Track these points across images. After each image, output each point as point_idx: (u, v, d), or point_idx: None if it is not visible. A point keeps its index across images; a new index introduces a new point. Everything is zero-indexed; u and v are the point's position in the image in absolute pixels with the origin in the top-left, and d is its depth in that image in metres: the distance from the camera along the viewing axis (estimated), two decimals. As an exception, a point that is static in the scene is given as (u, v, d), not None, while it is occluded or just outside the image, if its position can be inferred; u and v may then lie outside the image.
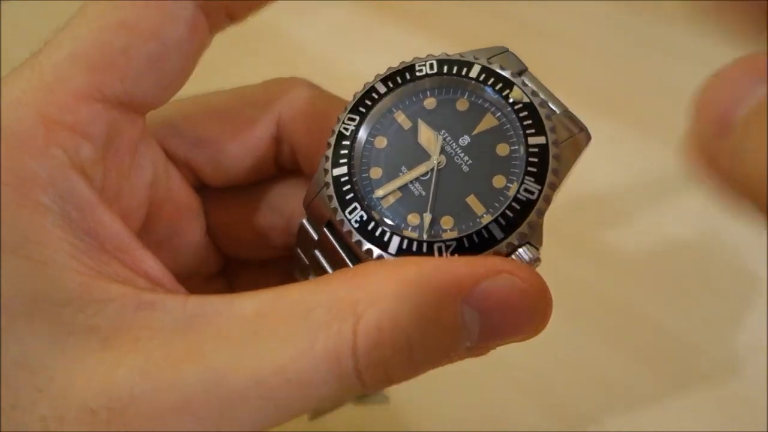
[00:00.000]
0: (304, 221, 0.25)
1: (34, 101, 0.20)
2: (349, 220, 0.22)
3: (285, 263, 0.28)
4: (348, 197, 0.23)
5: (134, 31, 0.21)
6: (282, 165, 0.28)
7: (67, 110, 0.20)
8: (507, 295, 0.19)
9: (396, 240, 0.22)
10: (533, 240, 0.21)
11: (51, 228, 0.19)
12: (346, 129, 0.23)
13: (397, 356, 0.18)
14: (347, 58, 0.50)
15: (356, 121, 0.23)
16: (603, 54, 0.53)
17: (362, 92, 0.24)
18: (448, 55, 0.24)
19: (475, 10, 0.57)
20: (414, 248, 0.21)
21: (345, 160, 0.23)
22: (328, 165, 0.23)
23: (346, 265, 0.23)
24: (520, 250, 0.21)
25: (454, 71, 0.23)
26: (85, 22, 0.21)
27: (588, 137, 0.23)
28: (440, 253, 0.21)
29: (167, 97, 0.23)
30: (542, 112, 0.22)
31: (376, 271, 0.19)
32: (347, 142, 0.23)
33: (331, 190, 0.23)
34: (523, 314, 0.20)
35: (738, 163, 0.16)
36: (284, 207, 0.28)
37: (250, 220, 0.28)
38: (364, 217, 0.22)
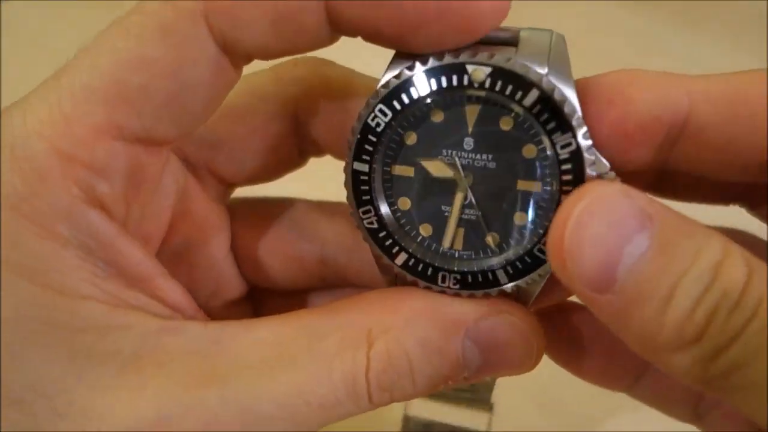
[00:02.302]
0: None
1: (50, 134, 0.20)
2: (362, 220, 0.22)
3: (314, 294, 0.28)
4: (364, 198, 0.22)
5: (153, 68, 0.20)
6: (307, 152, 0.28)
7: (84, 146, 0.20)
8: (506, 333, 0.21)
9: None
10: None
11: (70, 257, 0.20)
12: (377, 122, 0.21)
13: (402, 381, 0.20)
14: (346, 59, 0.50)
15: (388, 117, 0.21)
16: (603, 54, 0.53)
17: (402, 82, 0.21)
18: (503, 66, 0.21)
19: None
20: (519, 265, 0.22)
21: (368, 157, 0.22)
22: (349, 158, 0.22)
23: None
24: None
25: (507, 92, 0.21)
26: (105, 51, 0.21)
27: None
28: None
29: (188, 132, 0.23)
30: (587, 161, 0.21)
31: (386, 299, 0.21)
32: (373, 138, 0.21)
33: (348, 182, 0.22)
34: (520, 351, 0.21)
35: (622, 321, 0.18)
36: (315, 233, 0.27)
37: (278, 246, 0.27)
38: (375, 225, 0.22)
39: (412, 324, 0.20)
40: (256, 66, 0.24)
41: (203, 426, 0.19)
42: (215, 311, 0.27)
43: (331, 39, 0.22)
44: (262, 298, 0.29)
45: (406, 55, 0.21)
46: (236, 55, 0.21)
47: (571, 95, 0.20)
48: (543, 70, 0.21)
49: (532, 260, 0.21)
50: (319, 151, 0.27)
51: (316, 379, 0.20)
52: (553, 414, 0.38)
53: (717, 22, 0.54)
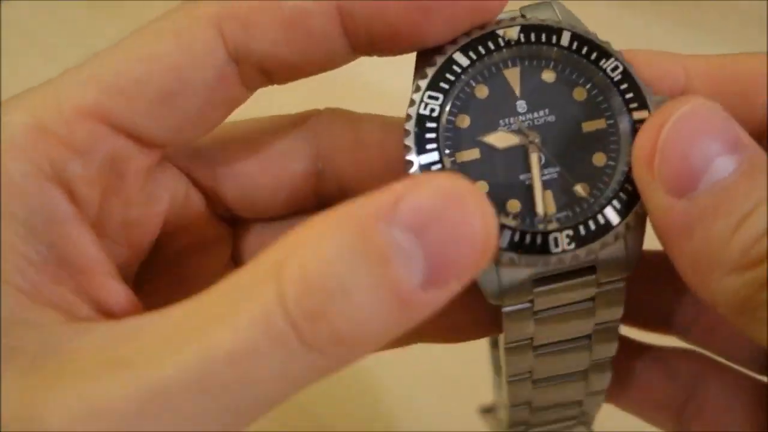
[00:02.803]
0: None
1: (34, 108, 0.20)
2: None
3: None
4: None
5: (156, 63, 0.20)
6: (325, 197, 0.26)
7: (65, 123, 0.20)
8: (433, 201, 0.16)
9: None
10: None
11: (8, 234, 0.18)
12: (430, 109, 0.21)
13: (335, 302, 0.16)
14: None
15: (440, 100, 0.21)
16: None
17: (441, 64, 0.21)
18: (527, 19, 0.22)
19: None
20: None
21: (434, 146, 0.20)
22: (412, 155, 0.20)
23: None
24: None
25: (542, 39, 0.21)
26: (117, 49, 0.21)
27: None
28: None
29: (182, 138, 0.22)
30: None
31: (301, 227, 0.17)
32: (432, 124, 0.21)
33: None
34: (460, 216, 0.16)
35: (688, 232, 0.18)
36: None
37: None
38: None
39: (325, 235, 0.16)
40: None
41: (104, 418, 0.16)
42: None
43: (347, 52, 0.21)
44: (246, 233, 0.27)
45: (424, 60, 0.21)
46: (248, 65, 0.21)
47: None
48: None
49: (628, 195, 0.20)
50: (338, 198, 0.25)
51: (222, 333, 0.16)
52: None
53: (717, 22, 0.54)
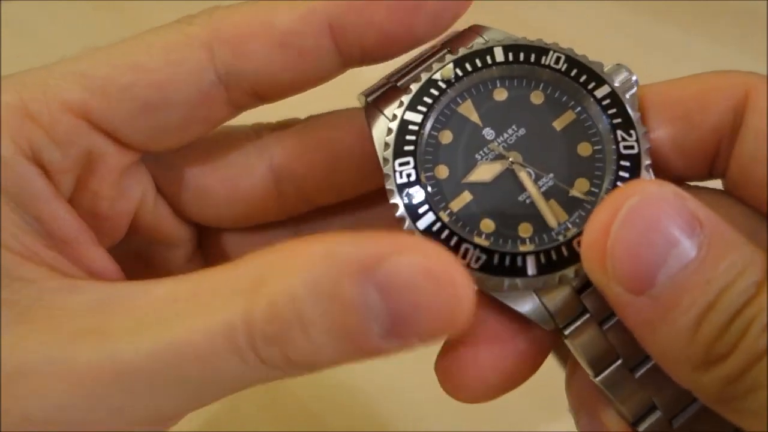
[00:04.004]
0: None
1: (23, 91, 0.21)
2: (470, 262, 0.20)
3: (276, 229, 0.27)
4: (455, 244, 0.20)
5: (143, 76, 0.21)
6: (287, 204, 0.26)
7: (48, 112, 0.21)
8: (412, 273, 0.17)
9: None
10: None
11: (2, 206, 0.20)
12: (406, 175, 0.21)
13: (292, 333, 0.17)
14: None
15: (411, 164, 0.21)
16: (603, 54, 0.53)
17: (396, 130, 0.21)
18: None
19: (476, 10, 0.57)
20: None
21: (426, 207, 0.20)
22: (408, 224, 0.20)
23: None
24: None
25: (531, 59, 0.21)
26: (111, 53, 0.22)
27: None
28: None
29: (161, 147, 0.23)
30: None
31: (288, 247, 0.18)
32: (416, 188, 0.20)
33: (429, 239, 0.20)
34: (428, 295, 0.17)
35: (651, 328, 0.18)
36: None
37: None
38: (483, 260, 0.20)
39: (305, 267, 0.17)
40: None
41: (67, 375, 0.18)
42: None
43: (338, 67, 0.22)
44: (213, 241, 0.28)
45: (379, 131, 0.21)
46: (239, 89, 0.22)
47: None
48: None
49: (629, 171, 0.20)
50: (301, 207, 0.26)
51: (194, 330, 0.18)
52: (553, 413, 0.38)
53: (717, 22, 0.54)
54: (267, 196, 0.25)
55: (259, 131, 0.26)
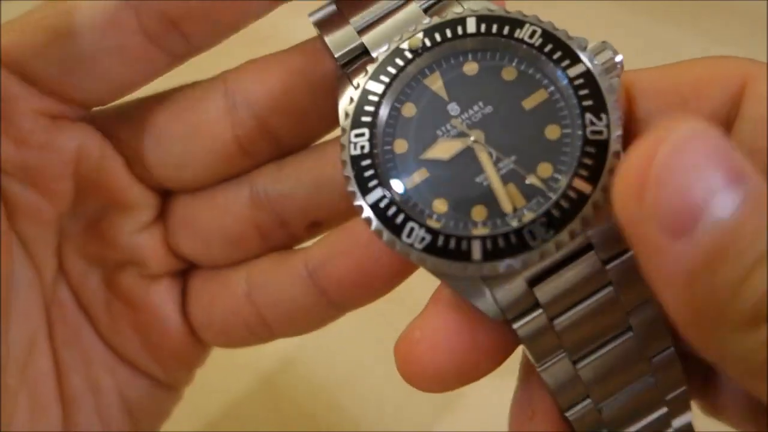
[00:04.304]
0: None
1: None
2: (418, 245, 0.19)
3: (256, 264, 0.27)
4: (399, 224, 0.19)
5: (50, 7, 0.22)
6: (258, 156, 0.25)
7: None
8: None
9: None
10: None
11: None
12: (360, 147, 0.20)
13: None
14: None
15: (366, 135, 0.20)
16: (603, 54, 0.53)
17: (357, 99, 0.20)
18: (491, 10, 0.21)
19: (475, 10, 0.57)
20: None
21: (375, 182, 0.20)
22: (359, 200, 0.20)
23: None
24: None
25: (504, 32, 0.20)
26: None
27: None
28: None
29: (83, 90, 0.23)
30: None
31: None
32: (367, 161, 0.20)
33: (377, 222, 0.19)
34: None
35: (688, 280, 0.15)
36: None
37: (213, 217, 0.26)
38: (428, 241, 0.19)
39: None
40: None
41: None
42: (129, 285, 0.26)
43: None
44: (196, 274, 0.27)
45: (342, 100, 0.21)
46: (148, 13, 0.22)
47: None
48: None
49: (594, 158, 0.18)
50: (271, 154, 0.26)
51: None
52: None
53: (717, 22, 0.54)
54: (229, 142, 0.25)
55: (225, 76, 0.25)
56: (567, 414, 0.20)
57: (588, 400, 0.20)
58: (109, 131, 0.25)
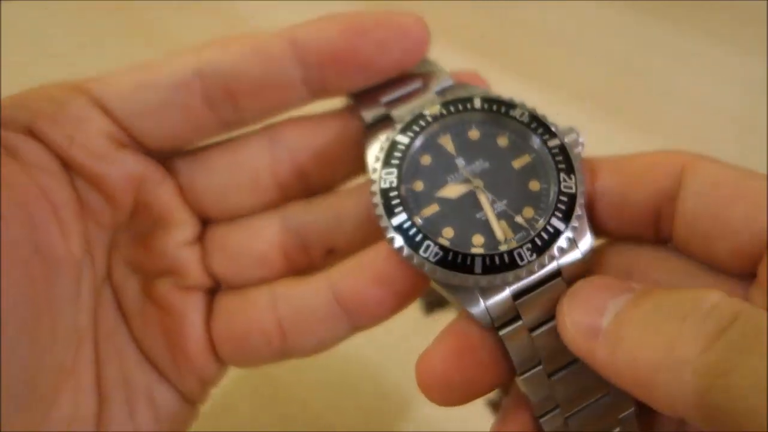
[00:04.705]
0: None
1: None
2: (429, 258, 0.24)
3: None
4: (417, 244, 0.24)
5: (138, 69, 0.27)
6: (289, 192, 0.30)
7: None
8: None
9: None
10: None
11: None
12: (389, 182, 0.25)
13: None
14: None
15: (395, 173, 0.25)
16: (603, 54, 0.53)
17: (388, 147, 0.26)
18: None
19: (476, 10, 0.57)
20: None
21: (400, 209, 0.25)
22: (384, 221, 0.25)
23: None
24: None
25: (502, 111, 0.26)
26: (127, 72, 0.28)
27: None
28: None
29: (154, 134, 0.28)
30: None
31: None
32: (394, 193, 0.25)
33: (397, 246, 0.24)
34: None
35: (611, 363, 0.21)
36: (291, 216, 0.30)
37: (244, 240, 0.30)
38: (441, 255, 0.24)
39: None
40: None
41: None
42: (164, 293, 0.29)
43: (299, 80, 0.27)
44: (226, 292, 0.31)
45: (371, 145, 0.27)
46: (212, 83, 0.27)
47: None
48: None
49: (565, 205, 0.24)
50: (301, 190, 0.30)
51: None
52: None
53: (717, 22, 0.54)
54: (267, 177, 0.29)
55: (272, 126, 0.30)
56: (540, 420, 0.25)
57: (558, 410, 0.25)
58: (169, 163, 0.29)
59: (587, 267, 0.24)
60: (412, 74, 0.28)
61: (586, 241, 0.24)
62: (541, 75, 0.52)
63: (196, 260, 0.30)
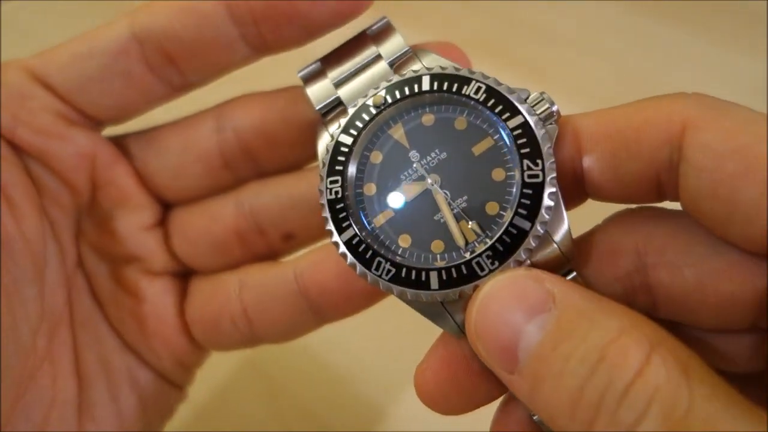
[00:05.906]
0: None
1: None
2: (380, 278, 0.23)
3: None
4: (369, 259, 0.22)
5: (77, 39, 0.27)
6: (239, 171, 0.29)
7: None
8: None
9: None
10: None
11: None
12: (335, 192, 0.23)
13: None
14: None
15: (339, 181, 0.23)
16: (603, 54, 0.53)
17: (331, 150, 0.23)
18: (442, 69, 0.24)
19: (476, 10, 0.57)
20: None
21: (348, 222, 0.23)
22: (335, 237, 0.23)
23: None
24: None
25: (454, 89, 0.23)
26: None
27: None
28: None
29: (95, 103, 0.27)
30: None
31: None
32: (340, 205, 0.23)
33: (350, 259, 0.22)
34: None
35: (529, 400, 0.19)
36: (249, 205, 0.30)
37: (207, 226, 0.30)
38: (393, 272, 0.22)
39: None
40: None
41: None
42: (133, 279, 0.30)
43: (244, 48, 0.27)
44: (193, 276, 0.31)
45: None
46: (150, 46, 0.26)
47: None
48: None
49: (531, 199, 0.21)
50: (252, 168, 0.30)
51: None
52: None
53: (717, 22, 0.54)
54: (214, 156, 0.29)
55: (219, 106, 0.29)
56: (535, 419, 0.23)
57: None
58: (121, 144, 0.29)
59: (572, 249, 0.22)
60: (365, 40, 0.26)
61: (563, 230, 0.22)
62: (541, 75, 0.52)
63: (158, 244, 0.30)
